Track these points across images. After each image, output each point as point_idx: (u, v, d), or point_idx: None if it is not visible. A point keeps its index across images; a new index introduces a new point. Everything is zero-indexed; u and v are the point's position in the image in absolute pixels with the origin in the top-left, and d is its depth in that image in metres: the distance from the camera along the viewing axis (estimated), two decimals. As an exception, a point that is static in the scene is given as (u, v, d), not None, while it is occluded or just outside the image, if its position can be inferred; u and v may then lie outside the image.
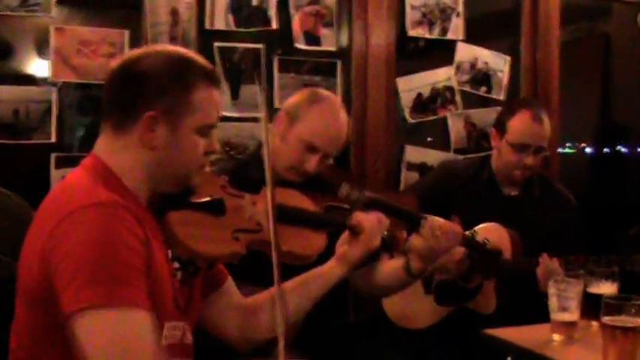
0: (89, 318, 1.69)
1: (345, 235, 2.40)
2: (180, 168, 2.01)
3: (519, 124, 3.55)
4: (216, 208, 2.13)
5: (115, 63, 2.04)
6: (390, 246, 2.46)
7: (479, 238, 2.88)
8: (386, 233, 2.42)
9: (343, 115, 3.01)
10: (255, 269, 2.12)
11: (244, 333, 2.31)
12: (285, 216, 2.24)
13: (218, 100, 2.06)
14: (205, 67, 2.04)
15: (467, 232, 2.78)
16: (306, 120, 2.93)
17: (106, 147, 1.99)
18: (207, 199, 2.12)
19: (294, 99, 3.03)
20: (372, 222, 2.37)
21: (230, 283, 2.33)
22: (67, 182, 1.98)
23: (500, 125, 3.63)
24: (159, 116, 1.92)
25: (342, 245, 2.38)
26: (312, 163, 2.95)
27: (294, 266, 2.27)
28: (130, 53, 2.05)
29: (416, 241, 2.73)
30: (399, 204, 2.94)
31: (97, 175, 1.92)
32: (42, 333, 1.83)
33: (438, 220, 2.76)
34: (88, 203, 1.78)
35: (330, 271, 2.34)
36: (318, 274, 2.33)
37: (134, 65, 1.98)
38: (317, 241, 2.34)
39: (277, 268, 1.92)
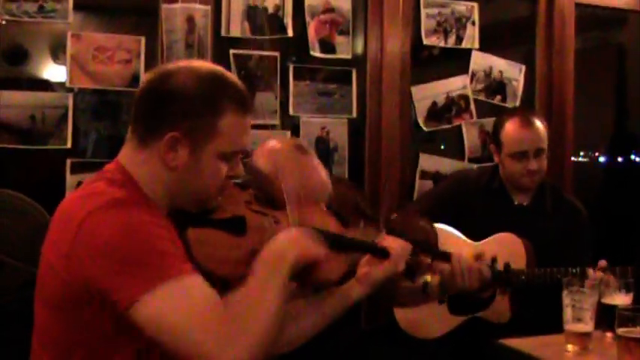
0: (150, 302, 1.71)
1: (368, 257, 2.36)
2: (199, 190, 1.99)
3: (511, 133, 3.56)
4: (237, 226, 2.10)
5: (149, 75, 2.02)
6: (413, 272, 2.44)
7: (497, 266, 2.91)
8: (410, 258, 2.40)
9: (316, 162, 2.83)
10: None
11: None
12: None
13: (247, 125, 2.01)
14: (238, 90, 2.00)
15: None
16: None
17: (129, 156, 1.98)
18: (229, 216, 2.09)
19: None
20: (400, 246, 2.35)
21: None
22: (83, 189, 1.98)
23: (496, 140, 3.64)
24: (181, 138, 1.90)
25: (364, 266, 2.34)
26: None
27: None
28: (165, 67, 2.01)
29: (441, 273, 2.77)
30: (423, 237, 2.95)
31: (117, 182, 1.92)
32: (65, 336, 1.84)
33: (467, 261, 2.78)
34: (105, 202, 1.80)
35: (350, 291, 2.30)
36: (337, 292, 2.30)
37: (165, 81, 1.95)
38: (339, 265, 2.25)
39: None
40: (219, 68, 2.05)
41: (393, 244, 2.36)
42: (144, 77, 2.04)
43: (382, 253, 2.34)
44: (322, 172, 2.75)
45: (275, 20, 3.90)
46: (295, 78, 3.97)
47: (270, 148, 2.73)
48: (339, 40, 4.03)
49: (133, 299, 1.71)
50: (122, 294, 1.72)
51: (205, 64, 2.06)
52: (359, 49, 4.16)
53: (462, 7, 4.27)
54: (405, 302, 2.97)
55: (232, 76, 2.05)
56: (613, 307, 2.48)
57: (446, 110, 4.26)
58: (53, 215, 1.94)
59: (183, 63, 2.03)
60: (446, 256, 2.85)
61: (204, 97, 1.93)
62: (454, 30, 4.25)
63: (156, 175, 1.95)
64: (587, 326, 2.56)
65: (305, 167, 2.74)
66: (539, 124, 3.57)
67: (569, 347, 2.56)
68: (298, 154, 2.75)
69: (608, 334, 2.64)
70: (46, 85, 3.76)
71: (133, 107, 2.00)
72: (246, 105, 2.00)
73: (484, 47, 4.34)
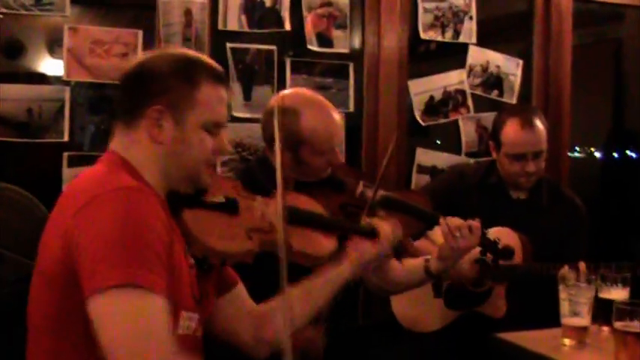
0: (108, 298, 1.71)
1: (357, 238, 2.43)
2: (188, 163, 2.04)
3: (511, 134, 3.54)
4: (230, 207, 2.17)
5: (126, 65, 2.11)
6: (399, 252, 2.49)
7: (491, 237, 2.91)
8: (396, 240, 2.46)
9: (324, 103, 2.96)
10: (269, 274, 2.10)
11: (257, 339, 2.32)
12: (297, 218, 2.29)
13: (225, 98, 2.10)
14: (212, 66, 2.09)
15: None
16: (310, 135, 2.85)
17: (120, 143, 2.05)
18: (221, 198, 2.16)
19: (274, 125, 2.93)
20: (387, 229, 2.43)
21: (241, 287, 2.34)
22: (89, 173, 2.01)
23: (495, 138, 3.64)
24: (163, 110, 1.98)
25: (354, 249, 2.41)
26: (337, 156, 2.94)
27: (306, 270, 2.28)
28: (141, 55, 2.16)
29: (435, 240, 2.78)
30: (415, 203, 2.97)
31: (118, 166, 1.98)
32: (63, 318, 1.85)
33: (456, 220, 2.79)
34: (113, 187, 1.82)
35: (339, 273, 2.36)
36: (327, 277, 2.35)
37: (141, 65, 2.06)
38: (328, 243, 2.38)
39: (284, 269, 1.91)
40: (193, 51, 2.17)
41: (381, 225, 2.45)
42: (124, 67, 2.10)
43: (369, 234, 2.43)
44: (338, 116, 2.94)
45: (272, 14, 3.89)
46: (292, 72, 3.97)
47: (293, 89, 3.13)
48: (337, 34, 4.02)
49: (98, 288, 1.71)
50: (90, 279, 1.73)
51: (179, 49, 2.25)
52: (356, 43, 4.16)
53: (459, 2, 4.26)
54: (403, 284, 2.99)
55: (205, 56, 2.15)
56: (610, 302, 2.48)
57: (443, 105, 4.26)
58: (59, 198, 1.97)
59: (158, 50, 2.16)
60: (435, 218, 2.86)
61: (179, 73, 2.02)
62: (452, 24, 4.25)
63: (147, 153, 2.01)
64: (584, 320, 2.57)
65: (324, 108, 2.91)
66: (540, 126, 3.55)
67: (566, 341, 2.57)
68: (322, 101, 2.94)
69: (605, 328, 2.65)
70: (42, 79, 3.76)
71: (117, 95, 2.11)
72: (221, 77, 2.10)
73: (481, 42, 4.33)
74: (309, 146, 2.84)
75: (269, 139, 2.93)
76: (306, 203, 2.47)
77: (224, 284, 2.29)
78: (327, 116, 2.90)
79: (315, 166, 2.88)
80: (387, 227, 2.45)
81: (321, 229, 2.40)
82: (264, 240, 2.16)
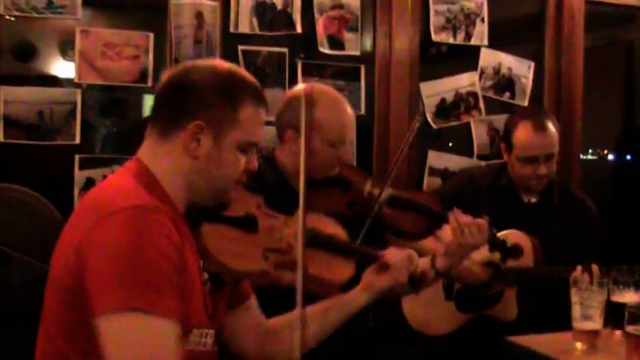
0: (117, 319, 1.70)
1: (373, 266, 2.41)
2: (219, 180, 2.03)
3: (523, 137, 3.54)
4: (249, 225, 2.14)
5: (169, 72, 2.09)
6: (416, 284, 2.46)
7: (499, 235, 2.90)
8: (416, 271, 2.42)
9: (338, 96, 3.02)
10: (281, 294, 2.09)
11: (263, 354, 2.32)
12: (318, 241, 2.26)
13: (262, 119, 2.08)
14: (254, 85, 2.07)
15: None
16: (321, 123, 2.88)
17: (149, 152, 2.03)
18: (242, 215, 2.14)
19: (290, 113, 2.95)
20: (400, 259, 2.39)
21: (253, 301, 2.33)
22: (110, 182, 2.02)
23: (507, 141, 3.63)
24: (205, 126, 1.96)
25: (369, 275, 2.40)
26: (346, 152, 2.97)
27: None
28: (184, 64, 2.10)
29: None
30: (423, 201, 2.97)
31: (140, 177, 1.96)
32: (72, 325, 1.85)
33: (464, 216, 2.78)
34: (129, 205, 1.80)
35: (354, 298, 2.36)
36: (342, 301, 2.35)
37: (184, 76, 2.03)
38: (346, 269, 2.33)
39: (301, 289, 1.89)
40: (235, 66, 2.13)
41: (394, 255, 2.41)
42: (164, 75, 2.08)
43: (382, 263, 2.39)
44: (351, 110, 2.99)
45: (283, 16, 3.89)
46: (304, 74, 3.97)
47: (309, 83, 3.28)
48: (348, 36, 4.02)
49: (107, 310, 1.71)
50: (100, 299, 1.72)
51: (222, 62, 2.13)
52: (367, 45, 4.16)
53: (471, 4, 4.25)
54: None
55: (247, 73, 2.12)
56: (622, 305, 2.47)
57: (454, 107, 4.25)
58: (80, 200, 2.00)
59: (200, 61, 2.13)
60: (443, 216, 2.85)
61: (223, 90, 2.00)
62: (463, 27, 4.24)
63: (177, 167, 1.99)
64: (596, 324, 2.56)
65: (337, 100, 2.96)
66: (552, 129, 3.54)
67: (578, 345, 2.56)
68: (336, 94, 2.99)
69: (617, 332, 2.64)
70: (54, 81, 3.77)
71: (154, 103, 2.07)
72: (262, 99, 2.08)
73: (493, 44, 4.32)
74: (320, 135, 2.85)
75: (281, 129, 2.98)
76: (329, 226, 2.41)
77: (237, 298, 2.28)
78: (340, 108, 2.95)
79: (324, 158, 2.88)
80: (399, 256, 2.40)
81: (340, 255, 2.34)
82: (280, 261, 2.13)
